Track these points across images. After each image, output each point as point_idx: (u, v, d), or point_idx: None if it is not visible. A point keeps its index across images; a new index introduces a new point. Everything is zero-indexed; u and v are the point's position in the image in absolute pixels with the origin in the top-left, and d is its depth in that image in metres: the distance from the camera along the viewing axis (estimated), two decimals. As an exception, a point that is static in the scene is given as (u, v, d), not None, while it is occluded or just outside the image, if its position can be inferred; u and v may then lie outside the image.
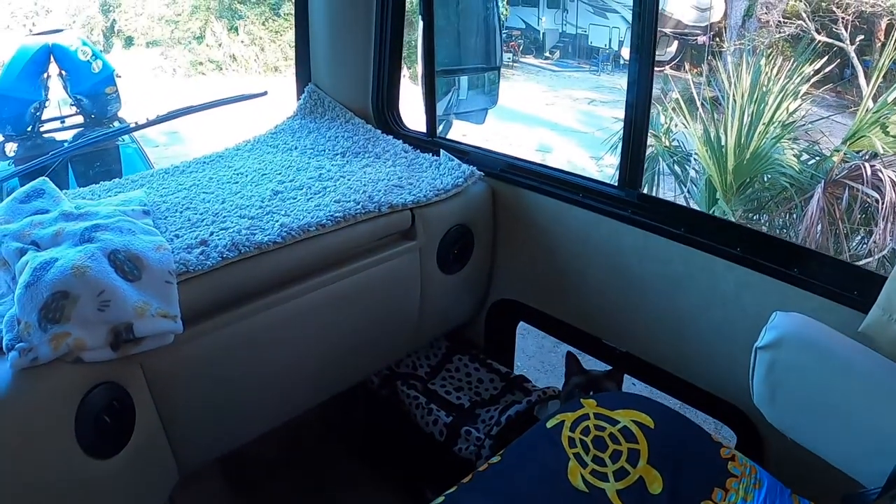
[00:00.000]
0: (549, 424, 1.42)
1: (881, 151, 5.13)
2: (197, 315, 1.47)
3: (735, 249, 1.60)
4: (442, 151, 2.02)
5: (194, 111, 2.55)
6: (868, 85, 5.59)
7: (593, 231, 1.86)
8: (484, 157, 2.05)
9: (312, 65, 2.32)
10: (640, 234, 1.76)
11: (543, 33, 15.98)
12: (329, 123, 2.25)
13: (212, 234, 1.57)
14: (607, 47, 13.71)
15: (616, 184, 1.82)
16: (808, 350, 1.31)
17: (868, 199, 4.98)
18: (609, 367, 1.90)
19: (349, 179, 1.87)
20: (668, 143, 5.73)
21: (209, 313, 1.51)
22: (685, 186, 5.76)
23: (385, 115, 2.25)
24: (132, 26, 15.76)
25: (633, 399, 1.49)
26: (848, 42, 6.45)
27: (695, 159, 5.57)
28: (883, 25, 7.60)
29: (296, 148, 2.13)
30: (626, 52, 13.57)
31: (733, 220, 5.00)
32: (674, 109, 5.60)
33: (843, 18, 6.40)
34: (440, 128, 2.29)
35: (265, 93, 2.52)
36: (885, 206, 4.89)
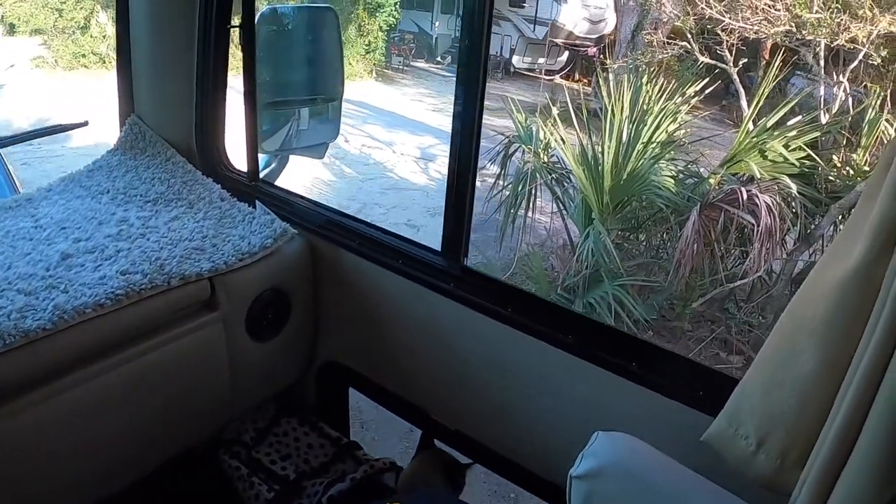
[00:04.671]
0: None
1: (758, 176, 5.24)
2: None
3: (567, 337, 1.47)
4: (258, 203, 1.83)
5: (12, 142, 2.37)
6: (749, 108, 5.71)
7: (414, 302, 1.71)
8: (305, 210, 1.88)
9: (135, 94, 2.07)
10: (464, 311, 1.60)
11: (436, 38, 16.01)
12: (149, 161, 2.02)
13: (-20, 316, 1.33)
14: (499, 55, 13.74)
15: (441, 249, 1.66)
16: (631, 482, 1.16)
17: (744, 222, 5.08)
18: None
19: (148, 239, 1.67)
20: (545, 160, 5.68)
21: None
22: (563, 204, 5.74)
23: (208, 152, 2.03)
24: (15, 13, 14.82)
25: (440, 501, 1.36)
26: (731, 65, 6.58)
27: (573, 177, 5.54)
28: (768, 46, 7.85)
29: (108, 191, 1.90)
30: (516, 60, 13.68)
31: (567, 306, 4.96)
32: (553, 124, 5.57)
33: (727, 41, 6.53)
34: (268, 167, 2.11)
35: (86, 123, 2.31)
36: (760, 230, 5.01)
